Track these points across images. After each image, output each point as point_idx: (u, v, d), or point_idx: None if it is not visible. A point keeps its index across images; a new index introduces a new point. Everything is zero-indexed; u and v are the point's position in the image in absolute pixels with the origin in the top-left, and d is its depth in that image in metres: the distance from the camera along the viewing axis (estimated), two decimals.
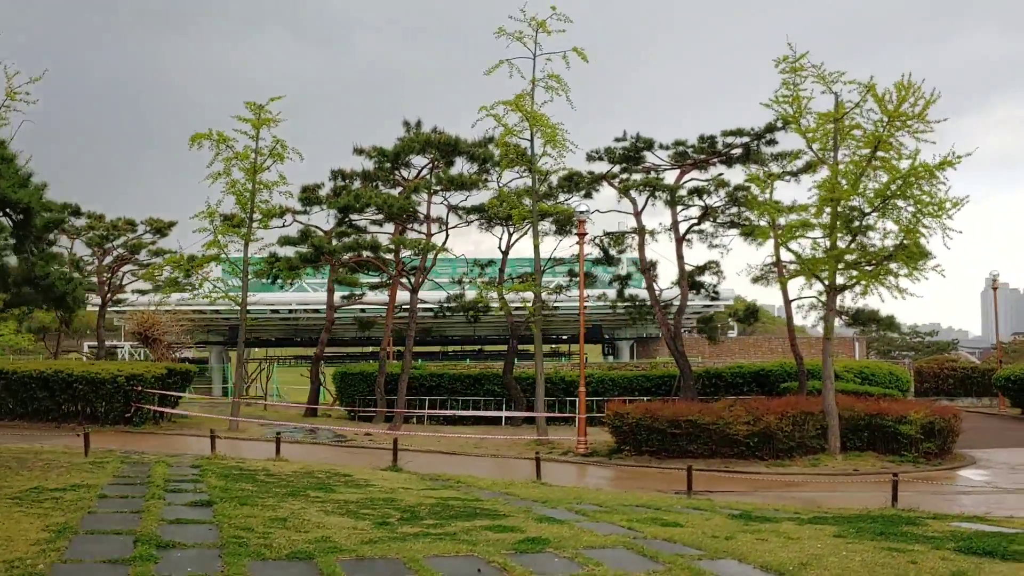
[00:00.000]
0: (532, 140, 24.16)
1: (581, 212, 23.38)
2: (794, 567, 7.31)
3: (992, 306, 40.32)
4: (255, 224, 26.41)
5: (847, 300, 22.98)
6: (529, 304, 25.79)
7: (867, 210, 20.04)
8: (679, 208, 27.81)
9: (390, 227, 30.94)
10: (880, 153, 19.57)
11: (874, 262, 20.32)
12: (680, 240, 28.12)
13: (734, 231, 27.82)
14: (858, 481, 17.83)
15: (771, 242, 23.98)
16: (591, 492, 14.55)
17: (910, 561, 7.56)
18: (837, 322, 23.46)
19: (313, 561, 7.19)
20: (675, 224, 27.98)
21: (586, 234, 23.45)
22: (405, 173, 30.44)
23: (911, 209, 19.54)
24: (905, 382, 33.15)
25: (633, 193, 27.81)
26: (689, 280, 28.76)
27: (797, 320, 27.50)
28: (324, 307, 35.12)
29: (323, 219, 32.60)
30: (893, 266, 20.03)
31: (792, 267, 24.19)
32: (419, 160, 30.07)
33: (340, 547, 7.74)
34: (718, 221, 27.96)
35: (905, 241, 19.71)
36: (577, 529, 9.21)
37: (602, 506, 11.82)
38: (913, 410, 20.64)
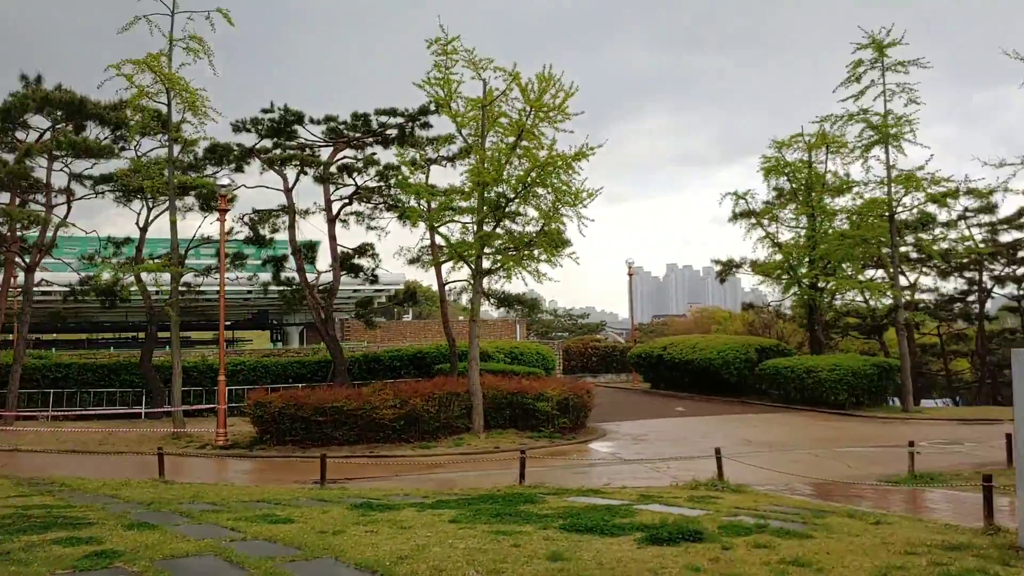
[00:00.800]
0: (170, 104, 22.17)
1: (224, 186, 21.74)
2: (392, 562, 6.89)
3: (633, 291, 44.50)
4: None
5: (495, 283, 23.62)
6: (167, 288, 23.61)
7: (511, 196, 20.68)
8: (333, 188, 26.75)
9: (6, 197, 26.87)
10: (524, 142, 20.26)
11: (518, 247, 21.05)
12: (332, 220, 26.88)
13: (391, 214, 27.44)
14: (498, 459, 18.31)
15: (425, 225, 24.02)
16: (215, 488, 13.39)
17: (513, 545, 7.50)
18: (487, 304, 24.10)
19: None
20: (328, 203, 26.73)
21: (228, 210, 21.79)
22: (23, 136, 26.53)
23: (551, 197, 20.48)
24: (552, 361, 35.27)
25: (284, 169, 26.31)
26: (347, 263, 27.98)
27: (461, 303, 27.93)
28: None
29: None
30: (535, 252, 20.89)
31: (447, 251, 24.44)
32: (41, 122, 26.38)
33: None
34: (373, 202, 27.30)
35: (546, 228, 20.62)
36: (170, 535, 8.18)
37: (217, 504, 10.81)
38: (550, 388, 21.71)
